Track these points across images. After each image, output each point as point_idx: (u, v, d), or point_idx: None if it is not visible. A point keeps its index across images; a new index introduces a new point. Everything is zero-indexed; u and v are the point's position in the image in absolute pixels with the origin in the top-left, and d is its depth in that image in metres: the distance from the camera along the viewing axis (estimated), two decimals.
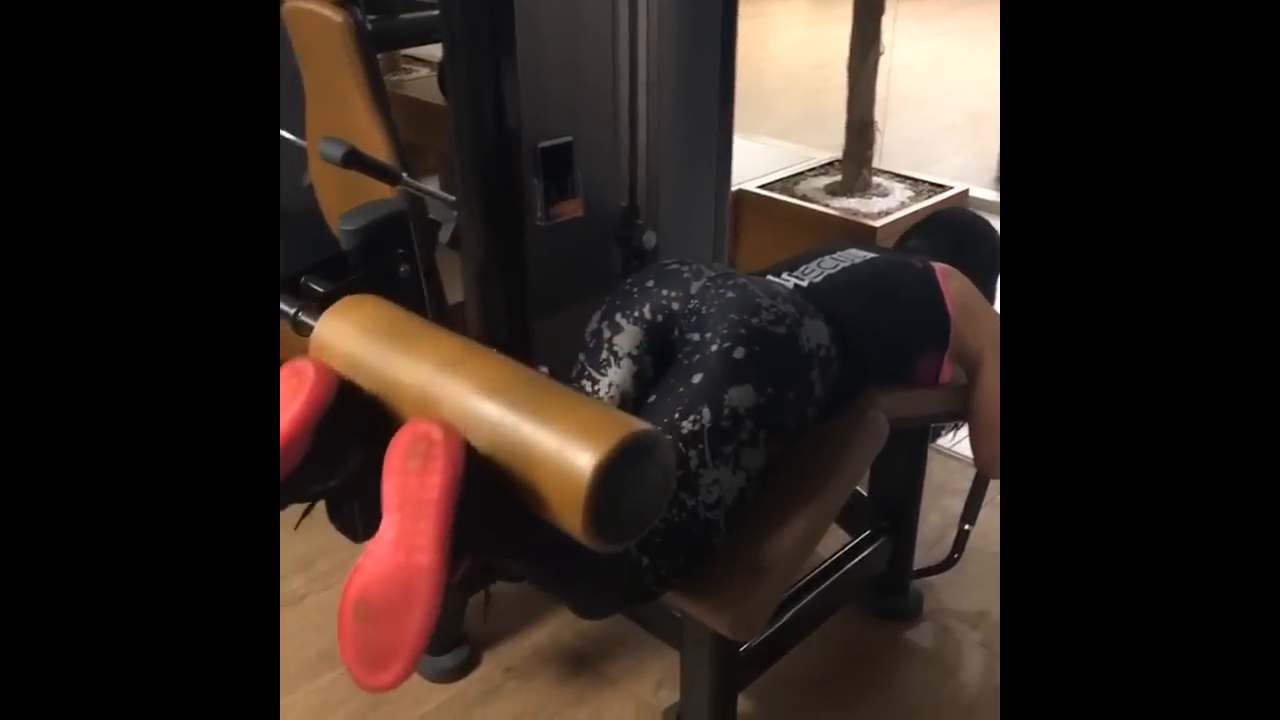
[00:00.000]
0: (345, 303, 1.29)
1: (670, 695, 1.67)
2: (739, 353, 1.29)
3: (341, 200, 2.11)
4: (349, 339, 1.23)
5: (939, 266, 1.60)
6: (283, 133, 2.13)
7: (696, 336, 1.34)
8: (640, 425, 1.05)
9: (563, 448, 1.02)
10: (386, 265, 1.51)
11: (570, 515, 1.02)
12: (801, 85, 5.45)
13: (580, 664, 1.79)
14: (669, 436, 1.27)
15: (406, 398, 1.15)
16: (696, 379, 1.29)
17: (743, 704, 1.70)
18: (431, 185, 1.97)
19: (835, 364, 1.38)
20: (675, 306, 1.38)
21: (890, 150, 3.85)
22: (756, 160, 3.07)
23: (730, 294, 1.36)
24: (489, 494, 1.08)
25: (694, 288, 1.39)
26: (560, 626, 1.85)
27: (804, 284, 1.50)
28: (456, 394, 1.11)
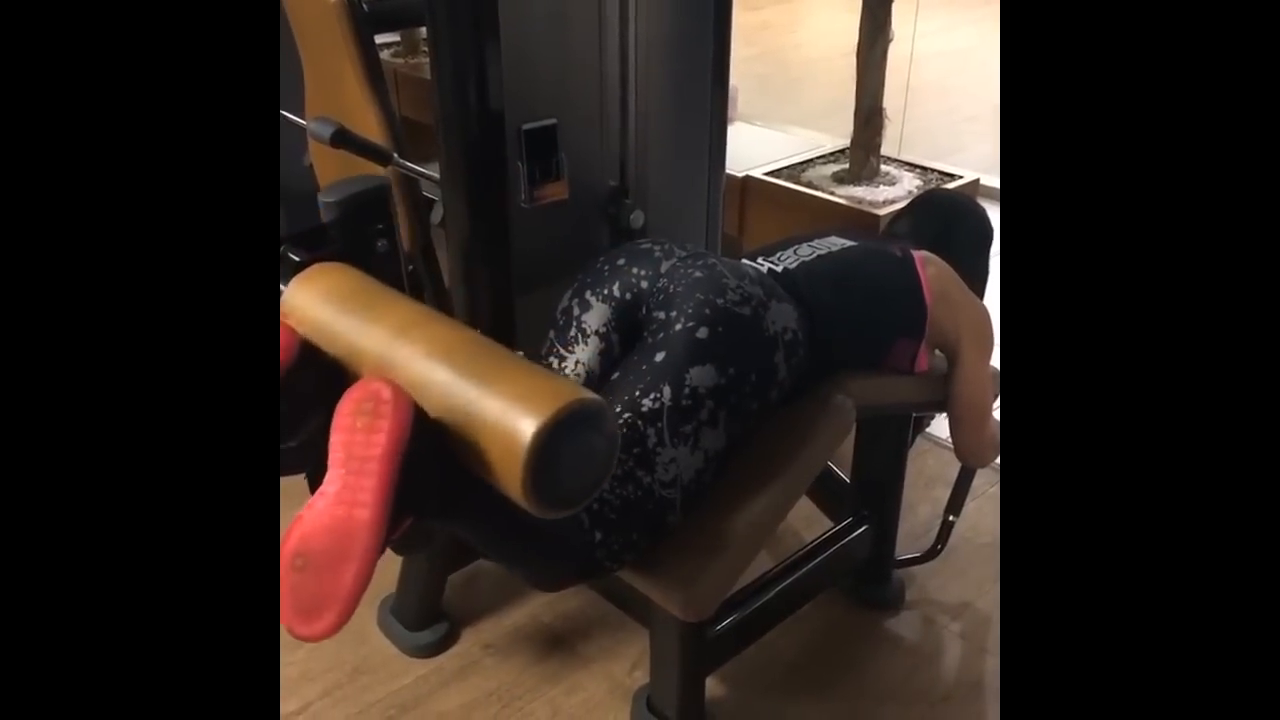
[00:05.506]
0: (313, 270, 1.31)
1: (644, 676, 1.68)
2: (702, 332, 1.29)
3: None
4: (314, 305, 1.25)
5: (919, 254, 1.59)
6: (283, 113, 2.15)
7: (662, 315, 1.34)
8: (584, 394, 1.06)
9: (506, 412, 1.04)
10: (365, 238, 1.53)
11: (512, 480, 1.03)
12: (826, 72, 5.39)
13: (557, 643, 1.80)
14: (628, 414, 1.27)
15: (365, 361, 1.18)
16: (659, 357, 1.30)
17: (716, 687, 1.70)
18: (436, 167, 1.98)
19: (802, 348, 1.38)
20: (644, 285, 1.39)
21: (912, 139, 3.80)
22: (772, 147, 3.05)
23: (698, 274, 1.36)
24: (436, 456, 1.10)
25: (664, 267, 1.40)
26: (540, 606, 1.87)
27: (778, 269, 1.50)
28: (409, 357, 1.14)
